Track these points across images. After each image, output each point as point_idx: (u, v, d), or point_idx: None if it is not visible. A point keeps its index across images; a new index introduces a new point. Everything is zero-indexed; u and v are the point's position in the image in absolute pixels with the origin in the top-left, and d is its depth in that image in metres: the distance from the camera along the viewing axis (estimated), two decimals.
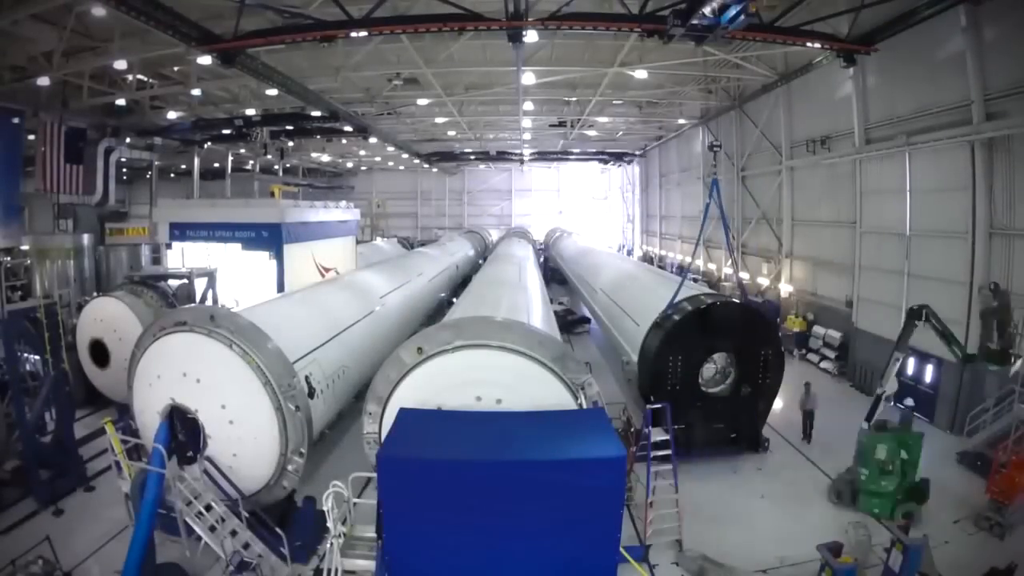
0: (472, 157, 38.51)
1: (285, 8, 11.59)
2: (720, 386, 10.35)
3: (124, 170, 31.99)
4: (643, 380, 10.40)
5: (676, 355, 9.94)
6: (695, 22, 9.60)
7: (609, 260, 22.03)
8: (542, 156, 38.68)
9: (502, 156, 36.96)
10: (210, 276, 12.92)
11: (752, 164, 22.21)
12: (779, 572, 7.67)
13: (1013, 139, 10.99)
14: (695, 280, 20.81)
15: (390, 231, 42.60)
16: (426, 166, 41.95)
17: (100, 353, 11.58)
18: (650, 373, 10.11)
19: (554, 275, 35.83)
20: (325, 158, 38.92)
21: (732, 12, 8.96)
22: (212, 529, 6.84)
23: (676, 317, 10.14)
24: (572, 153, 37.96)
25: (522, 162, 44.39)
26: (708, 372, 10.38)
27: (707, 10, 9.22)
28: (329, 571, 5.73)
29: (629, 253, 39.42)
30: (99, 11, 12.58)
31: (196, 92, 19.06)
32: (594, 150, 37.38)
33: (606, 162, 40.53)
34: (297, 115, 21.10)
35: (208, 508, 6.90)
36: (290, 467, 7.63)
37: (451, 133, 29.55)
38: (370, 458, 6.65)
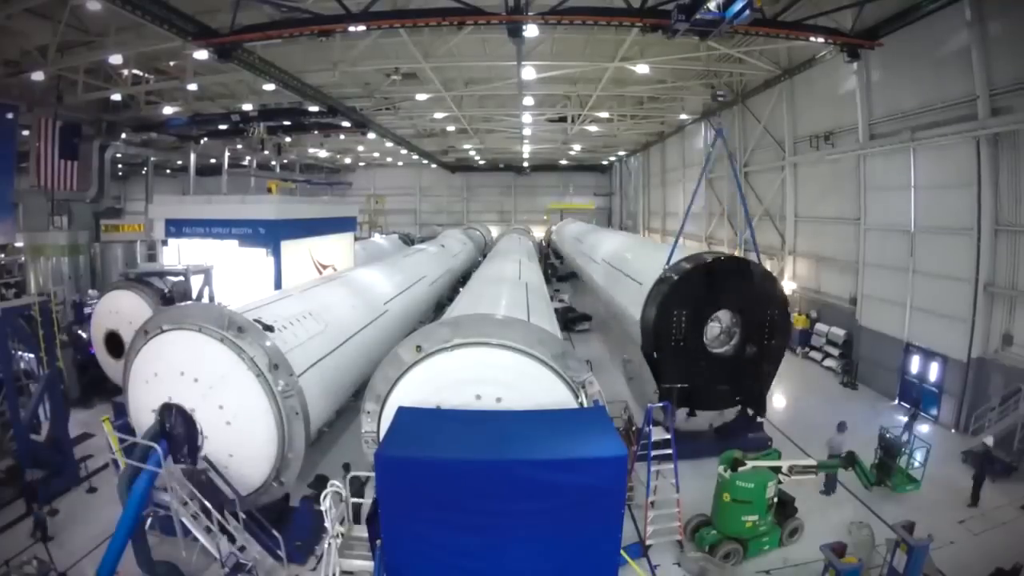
0: (480, 161, 41.23)
1: (282, 2, 11.44)
2: (725, 346, 10.03)
3: (119, 166, 31.80)
4: (646, 337, 10.05)
5: (680, 310, 9.59)
6: (700, 16, 9.47)
7: (608, 234, 22.02)
8: (537, 168, 45.19)
9: (507, 168, 42.06)
10: (206, 273, 12.79)
11: (755, 160, 22.08)
12: (782, 572, 7.60)
13: (1019, 135, 10.89)
14: None
15: (389, 227, 42.46)
16: (425, 162, 41.78)
17: (115, 345, 11.77)
18: (654, 328, 9.76)
19: (555, 271, 35.81)
20: (323, 154, 38.72)
21: (737, 7, 8.86)
22: (208, 530, 6.75)
23: (680, 272, 9.87)
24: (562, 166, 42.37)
25: (520, 171, 44.88)
26: (713, 331, 10.07)
27: (712, 4, 9.11)
28: (327, 573, 5.65)
29: None
30: (94, 5, 12.44)
31: (192, 87, 18.87)
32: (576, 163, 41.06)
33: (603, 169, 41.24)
34: (294, 110, 20.94)
35: (204, 509, 6.81)
36: (287, 467, 7.54)
37: (450, 129, 29.37)
38: (368, 457, 6.56)
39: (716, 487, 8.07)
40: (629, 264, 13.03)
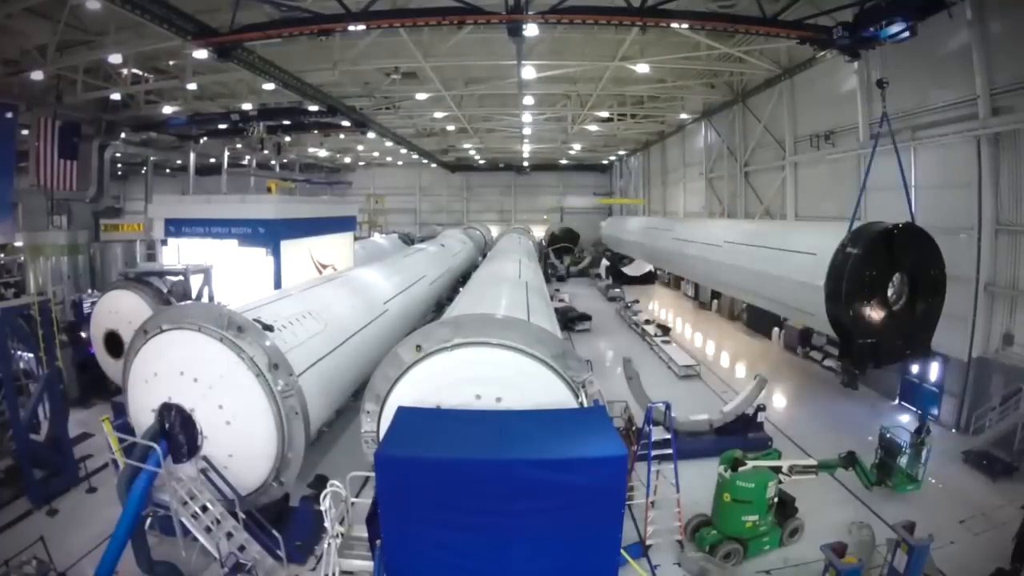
0: (480, 161, 41.72)
1: (282, 1, 11.41)
2: (897, 304, 10.73)
3: (119, 166, 31.76)
4: (835, 300, 10.72)
5: (871, 272, 10.36)
6: (863, 35, 9.80)
7: (713, 221, 22.42)
8: (537, 168, 45.34)
9: (507, 167, 42.48)
10: (206, 273, 12.77)
11: (755, 159, 22.06)
12: (783, 572, 7.59)
13: (1019, 134, 10.88)
14: None
15: (389, 227, 42.43)
16: (425, 161, 41.74)
17: (115, 344, 11.79)
18: (846, 292, 10.50)
19: (554, 270, 35.73)
20: (323, 153, 38.68)
21: (896, 28, 9.27)
22: (208, 530, 6.74)
23: (866, 239, 10.54)
24: (562, 166, 42.88)
25: (520, 171, 44.92)
26: (889, 289, 10.72)
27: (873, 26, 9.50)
28: (327, 573, 5.64)
29: None
30: (93, 4, 12.44)
31: (192, 86, 18.85)
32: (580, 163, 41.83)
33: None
34: (294, 109, 20.90)
35: (204, 509, 6.81)
36: (287, 466, 7.53)
37: (450, 128, 29.34)
38: (368, 457, 6.55)
39: (716, 487, 8.06)
40: (787, 241, 13.76)
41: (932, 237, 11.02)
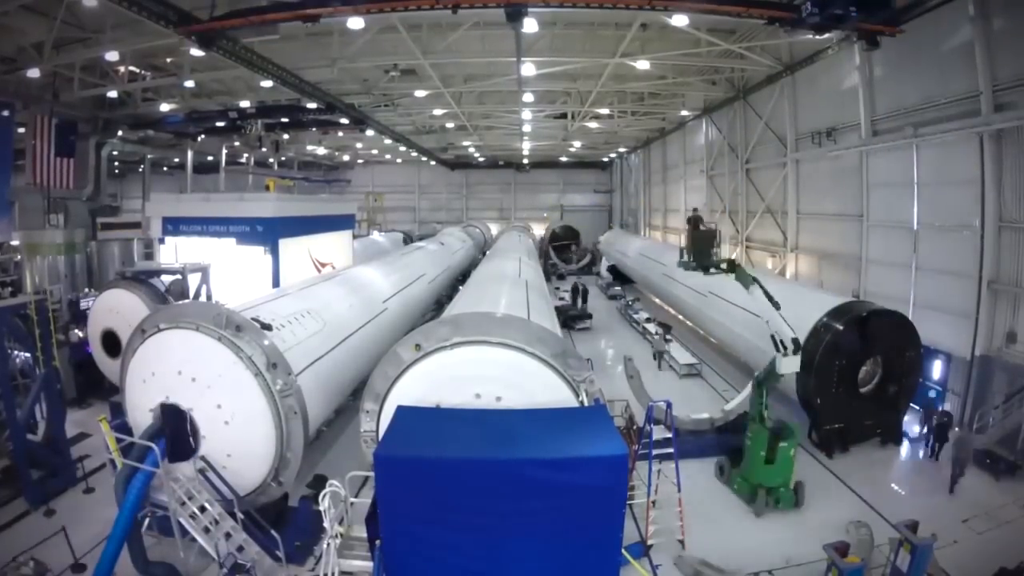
0: (479, 158, 41.57)
1: None
2: (868, 386, 10.79)
3: (116, 164, 31.64)
4: (806, 384, 10.70)
5: (841, 360, 10.36)
6: (831, 12, 9.51)
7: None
8: (537, 165, 45.00)
9: (507, 165, 42.28)
10: (204, 272, 12.71)
11: (756, 156, 21.97)
12: (785, 572, 7.54)
13: (1022, 131, 10.78)
14: None
15: (388, 225, 42.36)
16: (424, 159, 41.64)
17: (112, 344, 11.82)
18: (816, 378, 10.48)
19: (555, 269, 35.62)
20: (321, 151, 38.54)
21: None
22: (206, 530, 6.69)
23: (839, 325, 10.44)
24: (562, 163, 42.72)
25: (520, 168, 44.70)
26: (860, 374, 10.74)
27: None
28: (326, 573, 5.60)
29: None
30: (90, 1, 12.31)
31: (189, 84, 18.74)
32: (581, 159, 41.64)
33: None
34: (292, 107, 20.79)
35: (202, 509, 6.76)
36: (286, 466, 7.48)
37: (449, 126, 29.24)
38: (367, 456, 6.50)
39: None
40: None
41: (909, 320, 11.01)
